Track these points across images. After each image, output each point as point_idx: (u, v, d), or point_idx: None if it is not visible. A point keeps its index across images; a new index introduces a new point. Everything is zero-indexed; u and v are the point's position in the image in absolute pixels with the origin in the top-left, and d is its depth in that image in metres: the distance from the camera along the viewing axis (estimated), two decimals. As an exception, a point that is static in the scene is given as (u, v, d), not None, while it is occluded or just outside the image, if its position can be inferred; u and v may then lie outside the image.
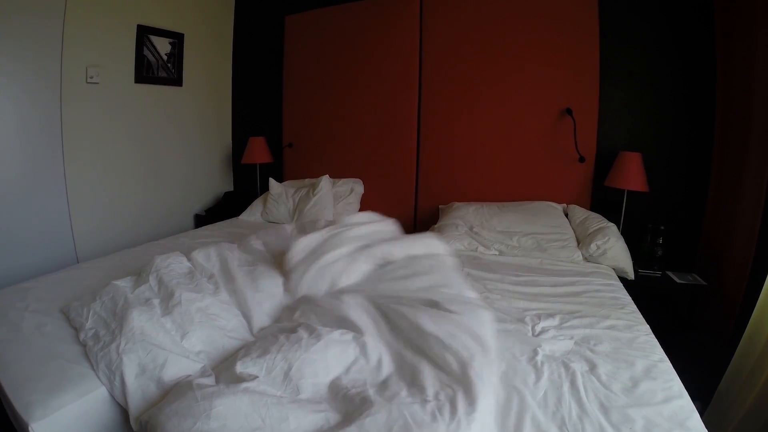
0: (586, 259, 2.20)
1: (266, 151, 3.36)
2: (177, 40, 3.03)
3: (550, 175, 2.70)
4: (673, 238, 2.43)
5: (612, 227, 2.27)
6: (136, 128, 2.84)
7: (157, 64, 2.93)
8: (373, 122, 3.08)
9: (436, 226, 2.61)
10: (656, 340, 1.44)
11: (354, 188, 3.10)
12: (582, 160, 2.55)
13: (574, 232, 2.40)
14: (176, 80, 3.08)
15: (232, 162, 3.69)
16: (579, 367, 1.26)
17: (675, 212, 2.48)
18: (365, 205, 3.11)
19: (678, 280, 2.17)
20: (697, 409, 1.65)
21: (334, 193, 3.00)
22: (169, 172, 3.13)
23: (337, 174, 3.21)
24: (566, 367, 1.25)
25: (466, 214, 2.58)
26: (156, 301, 1.49)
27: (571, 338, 1.42)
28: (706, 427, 1.06)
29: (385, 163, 3.09)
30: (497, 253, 2.30)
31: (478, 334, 1.22)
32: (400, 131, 3.01)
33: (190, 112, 3.24)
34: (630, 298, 1.77)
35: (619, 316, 1.58)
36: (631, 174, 2.34)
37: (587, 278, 1.95)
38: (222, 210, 3.33)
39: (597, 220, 2.38)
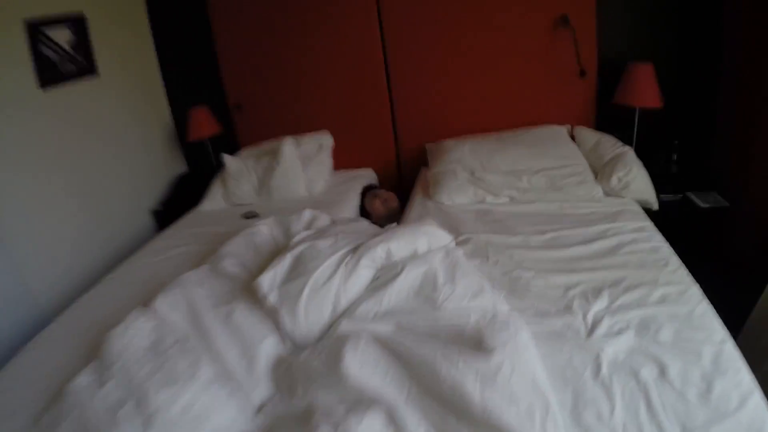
0: (607, 194, 2.06)
1: (212, 120, 2.95)
2: (77, 23, 2.48)
3: (549, 94, 2.50)
4: (689, 154, 2.30)
5: (630, 153, 2.13)
6: (54, 139, 2.37)
7: (62, 58, 2.41)
8: (330, 63, 2.71)
9: (430, 174, 2.40)
10: (710, 306, 1.37)
11: (322, 144, 2.81)
12: (583, 74, 2.31)
13: (587, 160, 2.24)
14: (89, 69, 2.57)
15: (178, 140, 3.25)
16: (649, 373, 1.19)
17: (688, 126, 2.31)
18: (338, 160, 2.86)
19: (701, 204, 2.09)
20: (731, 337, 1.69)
21: (301, 155, 2.69)
22: (110, 173, 2.72)
23: (299, 129, 2.87)
24: (636, 377, 1.18)
25: (462, 156, 2.37)
26: (129, 408, 1.16)
27: (629, 326, 1.32)
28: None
29: (353, 107, 2.78)
30: (508, 200, 2.15)
31: (536, 379, 1.09)
32: (365, 65, 2.66)
33: (114, 100, 2.76)
34: (668, 246, 1.69)
35: (667, 279, 1.50)
36: (644, 88, 2.14)
37: (616, 223, 1.85)
38: (180, 200, 2.99)
39: (611, 144, 2.23)
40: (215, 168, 2.90)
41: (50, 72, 2.32)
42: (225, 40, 2.79)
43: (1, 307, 2.04)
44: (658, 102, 2.16)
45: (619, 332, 1.31)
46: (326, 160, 2.79)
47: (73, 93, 2.45)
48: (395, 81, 2.66)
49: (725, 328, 1.29)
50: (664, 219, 2.01)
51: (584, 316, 1.39)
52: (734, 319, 1.70)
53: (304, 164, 2.66)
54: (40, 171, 2.29)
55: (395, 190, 2.82)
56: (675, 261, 1.58)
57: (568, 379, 1.19)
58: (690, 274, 1.51)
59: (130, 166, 2.87)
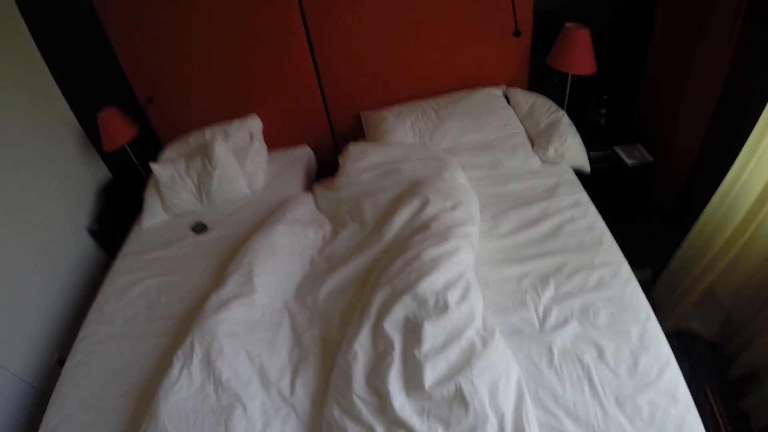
0: (544, 162, 2.30)
1: (125, 122, 2.73)
2: None
3: (483, 54, 2.59)
4: (616, 108, 2.54)
5: (564, 120, 2.35)
6: None
7: None
8: (244, 36, 2.53)
9: None
10: (637, 284, 1.72)
11: (252, 131, 2.77)
12: (518, 33, 2.40)
13: (524, 125, 2.44)
14: None
15: (94, 147, 3.00)
16: (590, 356, 1.55)
17: (616, 81, 2.52)
18: (271, 142, 2.83)
19: (628, 161, 2.37)
20: (648, 277, 2.10)
21: (233, 149, 2.64)
22: (30, 203, 2.50)
23: (222, 116, 2.78)
24: (581, 361, 1.53)
25: (403, 136, 2.51)
26: None
27: (572, 314, 1.65)
28: (658, 296, 1.44)
29: (275, 82, 2.69)
30: None
31: None
32: (282, 33, 2.52)
33: (5, 121, 2.42)
34: (601, 221, 1.99)
35: (601, 259, 1.83)
36: (579, 55, 2.31)
37: (555, 199, 2.12)
38: (115, 215, 2.90)
39: (545, 108, 2.44)
40: (142, 173, 2.80)
41: None
42: (117, 28, 2.50)
43: None
44: (593, 69, 2.34)
45: (565, 322, 1.65)
46: (260, 149, 2.76)
47: None
48: (318, 47, 2.57)
49: (648, 304, 1.65)
50: (595, 178, 2.31)
51: (536, 309, 1.71)
52: (660, 262, 2.13)
53: (239, 159, 2.63)
54: None
55: (333, 166, 2.90)
56: (608, 238, 1.91)
57: (528, 370, 1.53)
58: (620, 251, 1.83)
59: (51, 188, 2.66)
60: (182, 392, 1.60)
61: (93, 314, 2.14)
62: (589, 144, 2.40)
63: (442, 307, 1.56)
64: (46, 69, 2.72)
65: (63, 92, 2.80)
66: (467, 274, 1.70)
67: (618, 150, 2.46)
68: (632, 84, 2.57)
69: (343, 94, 2.75)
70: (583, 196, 2.12)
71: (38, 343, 2.37)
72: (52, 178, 2.70)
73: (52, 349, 2.40)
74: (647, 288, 2.13)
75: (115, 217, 2.88)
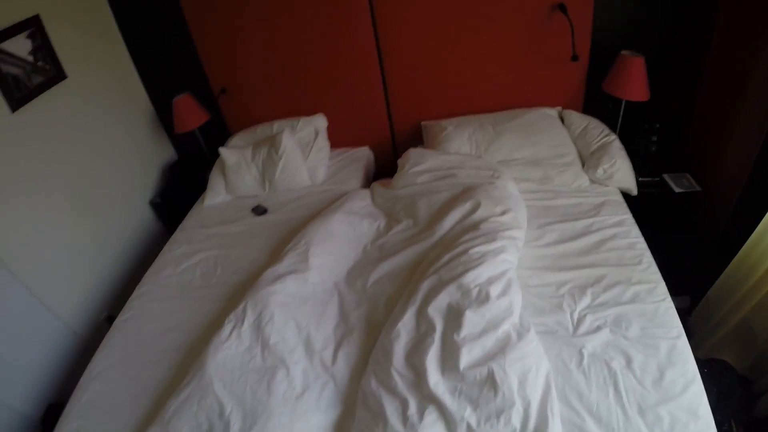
0: (593, 182, 2.40)
1: (197, 108, 3.00)
2: (34, 26, 2.34)
3: (541, 77, 2.73)
4: (667, 137, 2.60)
5: (615, 143, 2.43)
6: (37, 156, 2.38)
7: (27, 71, 2.30)
8: (317, 40, 2.75)
9: None
10: (671, 301, 1.80)
11: (318, 128, 2.98)
12: (575, 58, 2.52)
13: (576, 145, 2.54)
14: (57, 75, 2.49)
15: (164, 128, 3.31)
16: (618, 363, 1.62)
17: (669, 110, 2.59)
18: (334, 141, 3.05)
19: (676, 188, 2.42)
20: (687, 305, 2.14)
21: (298, 142, 2.85)
22: (101, 174, 2.79)
23: (290, 112, 3.00)
24: (609, 367, 1.61)
25: (461, 146, 2.65)
26: None
27: (606, 323, 1.73)
28: (694, 323, 1.55)
29: (343, 85, 2.89)
30: None
31: None
32: (354, 42, 2.72)
33: (90, 99, 2.73)
34: (643, 241, 2.07)
35: (639, 277, 1.91)
36: (633, 81, 2.40)
37: (599, 217, 2.21)
38: (176, 191, 3.16)
39: (598, 131, 2.53)
40: (207, 156, 3.04)
41: (18, 91, 2.25)
42: (198, 21, 2.76)
43: (29, 334, 2.23)
44: (646, 96, 2.43)
45: (598, 329, 1.73)
46: (324, 145, 2.97)
47: (46, 105, 2.41)
48: (387, 58, 2.77)
49: (680, 324, 1.71)
50: (641, 201, 2.39)
51: (571, 314, 1.80)
52: (700, 291, 2.18)
53: (303, 152, 2.84)
54: (32, 192, 2.33)
55: (390, 168, 3.08)
56: (647, 258, 1.98)
57: (558, 368, 1.63)
58: (659, 272, 1.91)
59: (120, 163, 2.94)
60: (231, 350, 1.76)
61: (149, 277, 2.34)
62: (639, 170, 2.47)
63: (483, 299, 1.69)
64: (129, 59, 3.04)
65: (141, 78, 3.12)
66: (510, 272, 1.82)
67: (666, 177, 2.52)
68: (684, 113, 2.63)
69: (406, 103, 2.93)
70: (628, 218, 2.20)
71: (91, 298, 2.62)
72: (126, 152, 3.00)
73: (102, 306, 2.65)
74: (683, 316, 2.18)
75: (175, 194, 3.14)
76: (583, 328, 1.75)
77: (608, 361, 1.62)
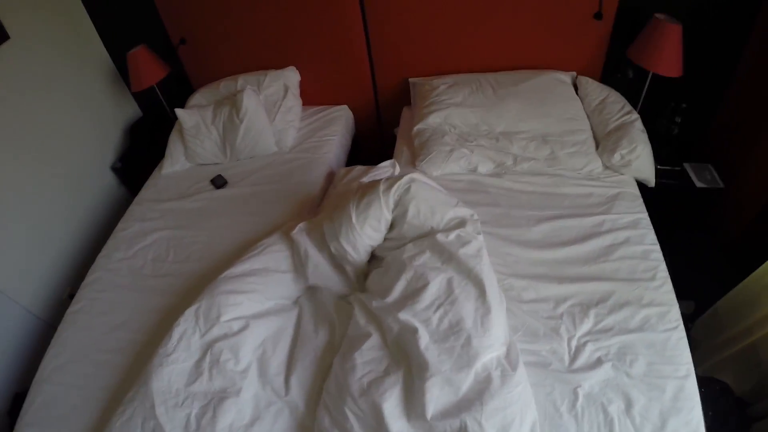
0: (606, 167, 2.12)
1: (155, 62, 2.63)
2: None
3: (555, 34, 2.36)
4: (692, 120, 2.29)
5: (637, 124, 2.14)
6: None
7: None
8: None
9: (416, 130, 2.35)
10: (683, 329, 1.59)
11: (288, 84, 2.63)
12: (599, 16, 2.14)
13: (590, 120, 2.23)
14: None
15: (126, 84, 2.94)
16: (616, 408, 1.43)
17: (699, 90, 2.25)
18: (307, 98, 2.71)
19: (697, 183, 2.16)
20: (691, 310, 1.95)
21: (265, 102, 2.53)
22: (60, 137, 2.57)
23: (259, 65, 2.65)
24: (605, 412, 1.43)
25: (452, 112, 2.32)
26: None
27: (608, 354, 1.53)
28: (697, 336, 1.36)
29: (320, 34, 2.52)
30: (494, 167, 2.17)
31: None
32: None
33: (41, 58, 2.46)
34: (658, 250, 1.82)
35: (652, 298, 1.68)
36: (666, 52, 2.05)
37: (611, 215, 1.95)
38: (137, 155, 2.88)
39: (618, 107, 2.23)
40: (170, 115, 2.72)
41: None
42: None
43: (2, 331, 2.09)
44: (679, 71, 2.07)
45: (598, 363, 1.53)
46: (294, 105, 2.64)
47: None
48: (371, 6, 2.35)
49: (691, 359, 1.52)
50: (656, 192, 2.13)
51: (569, 341, 1.59)
52: (708, 298, 1.99)
53: (270, 112, 2.52)
54: None
55: (373, 130, 2.75)
56: (662, 272, 1.75)
57: (546, 411, 1.43)
58: (673, 292, 1.69)
59: (77, 126, 2.69)
60: (176, 365, 1.56)
61: (101, 260, 2.16)
62: (657, 155, 2.18)
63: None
64: (84, 11, 2.69)
65: (97, 29, 2.76)
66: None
67: (688, 168, 2.23)
68: (714, 96, 2.30)
69: (392, 55, 2.55)
70: (644, 217, 1.94)
71: (51, 278, 2.44)
72: (82, 113, 2.73)
73: (64, 284, 2.47)
74: (685, 323, 2.01)
75: (139, 157, 2.86)
76: (581, 360, 1.54)
77: (606, 404, 1.43)
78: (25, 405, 1.67)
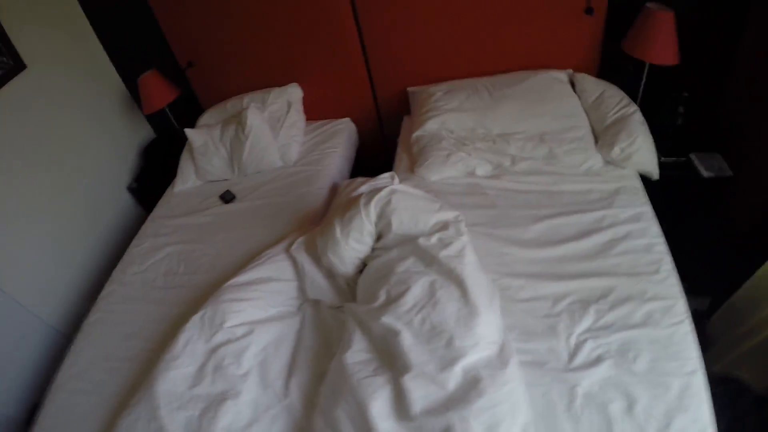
0: (607, 162, 2.07)
1: (165, 86, 2.75)
2: None
3: (548, 32, 2.33)
4: (696, 109, 2.22)
5: (636, 116, 2.08)
6: (10, 154, 2.31)
7: None
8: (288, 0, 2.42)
9: (413, 135, 2.35)
10: (690, 323, 1.51)
11: (291, 101, 2.69)
12: (590, 11, 2.12)
13: (589, 116, 2.19)
14: (16, 67, 2.35)
15: (138, 107, 3.06)
16: (617, 407, 1.36)
17: (700, 76, 2.18)
18: (310, 113, 2.76)
19: (704, 172, 2.07)
20: (706, 307, 1.89)
21: (269, 118, 2.59)
22: (75, 161, 2.69)
23: (263, 82, 2.72)
24: (605, 412, 1.36)
25: (448, 117, 2.31)
26: None
27: (609, 352, 1.46)
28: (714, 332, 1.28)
29: (319, 51, 2.58)
30: (492, 169, 2.15)
31: None
32: (329, 3, 2.39)
33: (56, 85, 2.60)
34: (662, 242, 1.75)
35: (655, 291, 1.60)
36: (660, 41, 2.00)
37: (612, 209, 1.89)
38: (152, 175, 2.98)
39: (615, 101, 2.17)
40: (182, 135, 2.81)
41: None
42: None
43: (7, 334, 2.17)
44: (675, 59, 2.01)
45: (598, 360, 1.46)
46: (297, 120, 2.69)
47: (7, 98, 2.30)
48: (364, 15, 2.41)
49: (699, 354, 1.43)
50: (662, 186, 2.05)
51: (568, 339, 1.53)
52: (723, 292, 1.89)
53: (274, 128, 2.58)
54: (1, 188, 2.26)
55: (376, 141, 2.78)
56: (667, 265, 1.67)
57: (542, 411, 1.37)
58: (679, 284, 1.61)
59: (93, 150, 2.81)
60: (181, 369, 1.61)
61: (116, 274, 2.25)
62: (661, 147, 2.09)
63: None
64: (94, 36, 2.84)
65: (109, 55, 2.90)
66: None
67: (694, 158, 2.15)
68: (718, 83, 2.22)
69: (389, 66, 2.58)
70: (647, 210, 1.87)
71: (72, 294, 2.54)
72: (99, 136, 2.85)
73: (82, 299, 2.55)
74: (701, 320, 1.90)
75: (153, 177, 2.95)
76: (581, 357, 1.48)
77: (606, 403, 1.36)
78: (41, 412, 1.73)
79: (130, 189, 3.00)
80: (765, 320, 1.74)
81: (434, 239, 1.65)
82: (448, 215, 1.74)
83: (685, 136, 2.25)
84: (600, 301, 1.60)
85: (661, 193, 2.01)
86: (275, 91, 2.66)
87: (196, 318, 1.72)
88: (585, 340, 1.51)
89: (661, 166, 2.07)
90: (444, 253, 1.59)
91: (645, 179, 2.04)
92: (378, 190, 1.74)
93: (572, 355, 1.49)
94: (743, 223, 2.09)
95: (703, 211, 2.18)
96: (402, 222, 1.71)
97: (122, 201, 2.97)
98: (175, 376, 1.59)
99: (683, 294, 1.59)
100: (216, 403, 1.52)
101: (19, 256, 2.29)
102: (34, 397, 2.21)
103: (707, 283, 1.98)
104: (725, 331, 1.92)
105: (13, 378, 2.19)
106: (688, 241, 1.92)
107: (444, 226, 1.70)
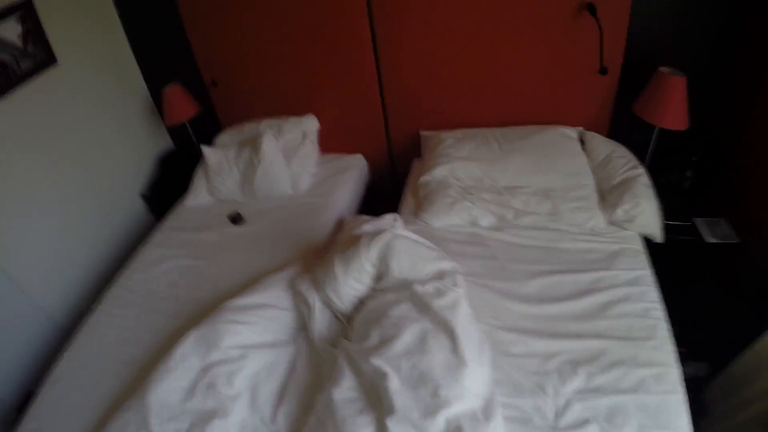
0: (610, 222, 2.07)
1: (187, 100, 2.86)
2: (23, 9, 2.29)
3: (561, 90, 2.38)
4: (704, 173, 2.25)
5: (642, 179, 2.09)
6: (25, 145, 2.37)
7: (15, 57, 2.28)
8: (311, 36, 2.53)
9: (421, 180, 2.39)
10: (682, 392, 1.49)
11: (306, 132, 2.75)
12: (603, 71, 2.17)
13: (596, 175, 2.21)
14: (47, 60, 2.45)
15: (161, 116, 3.16)
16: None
17: (709, 142, 2.21)
18: (325, 145, 2.83)
19: (709, 238, 2.06)
20: (704, 373, 1.89)
21: (283, 147, 2.66)
22: (93, 163, 2.77)
23: (282, 109, 2.80)
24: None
25: (457, 166, 2.35)
26: None
27: (596, 418, 1.45)
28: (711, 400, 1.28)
29: (337, 87, 2.67)
30: (495, 221, 2.16)
31: None
32: (351, 42, 2.49)
33: (83, 85, 2.69)
34: (659, 307, 1.74)
35: (648, 357, 1.59)
36: (671, 106, 2.03)
37: (611, 271, 1.89)
38: (166, 185, 3.06)
39: (623, 162, 2.19)
40: (199, 150, 2.89)
41: (4, 77, 2.23)
42: (190, 11, 2.63)
43: (9, 322, 2.23)
44: (685, 125, 2.04)
45: (585, 423, 1.44)
46: (311, 151, 2.75)
47: (35, 91, 2.38)
48: (384, 59, 2.50)
49: (690, 424, 1.41)
50: (666, 248, 2.06)
51: (555, 398, 1.51)
52: (723, 359, 1.86)
53: (287, 157, 2.63)
54: (19, 181, 2.32)
55: (386, 180, 2.83)
56: (662, 331, 1.66)
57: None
58: (673, 352, 1.59)
59: (111, 152, 2.88)
60: (175, 382, 1.64)
61: (122, 279, 2.30)
62: (667, 210, 2.11)
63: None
64: (127, 44, 2.95)
65: (138, 62, 3.02)
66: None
67: (698, 223, 2.15)
68: (727, 146, 2.24)
69: (404, 109, 2.66)
70: (646, 274, 1.86)
71: (77, 289, 2.61)
72: (119, 139, 2.94)
73: (87, 296, 2.61)
74: (699, 387, 1.87)
75: (167, 187, 3.02)
76: (568, 418, 1.46)
77: (589, 478, 1.34)
78: (34, 402, 1.78)
79: (143, 196, 3.07)
80: (762, 392, 1.70)
81: (430, 287, 1.67)
82: (446, 265, 1.76)
83: (692, 200, 2.26)
84: (591, 362, 1.59)
85: (665, 256, 2.01)
86: (292, 120, 2.74)
87: (193, 334, 1.75)
88: (573, 402, 1.50)
89: (666, 228, 2.08)
90: (438, 303, 1.61)
91: (648, 242, 2.04)
92: (380, 232, 1.77)
93: (559, 414, 1.48)
94: (749, 289, 2.06)
95: (706, 276, 2.16)
96: (401, 267, 1.74)
97: (134, 206, 3.04)
98: (169, 388, 1.62)
99: (678, 361, 1.57)
100: (205, 419, 1.54)
101: (28, 243, 2.35)
102: (27, 385, 2.24)
103: (708, 348, 1.95)
104: (722, 399, 1.88)
105: (8, 360, 2.23)
106: (691, 305, 1.90)
107: (441, 275, 1.72)
